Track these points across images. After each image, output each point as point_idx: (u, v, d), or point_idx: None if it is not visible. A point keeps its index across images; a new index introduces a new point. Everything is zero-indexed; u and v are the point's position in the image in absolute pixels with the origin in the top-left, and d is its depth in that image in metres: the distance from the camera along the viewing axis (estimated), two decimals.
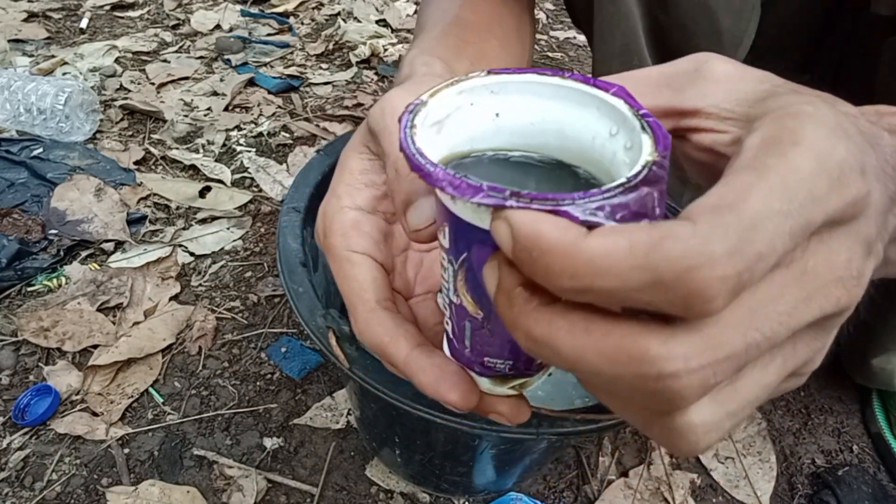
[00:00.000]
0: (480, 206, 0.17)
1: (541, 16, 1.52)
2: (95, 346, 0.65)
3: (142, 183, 0.86)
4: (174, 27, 1.31)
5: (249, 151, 0.96)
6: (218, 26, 1.32)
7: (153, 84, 1.10)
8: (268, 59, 1.22)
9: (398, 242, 0.29)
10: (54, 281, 0.71)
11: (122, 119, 1.01)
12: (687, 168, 0.25)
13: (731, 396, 0.17)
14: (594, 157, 0.21)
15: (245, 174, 0.92)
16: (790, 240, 0.15)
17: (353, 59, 1.25)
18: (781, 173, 0.16)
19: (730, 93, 0.21)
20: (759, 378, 0.18)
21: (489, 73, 0.22)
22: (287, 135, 1.02)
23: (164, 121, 1.00)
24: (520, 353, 0.23)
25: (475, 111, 0.23)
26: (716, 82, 0.22)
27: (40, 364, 0.63)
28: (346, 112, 1.08)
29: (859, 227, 0.18)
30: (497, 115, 0.23)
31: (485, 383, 0.25)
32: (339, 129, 1.03)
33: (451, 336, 0.25)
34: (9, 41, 1.13)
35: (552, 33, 1.47)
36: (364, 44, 1.28)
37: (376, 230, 0.27)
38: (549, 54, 1.39)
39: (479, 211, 0.18)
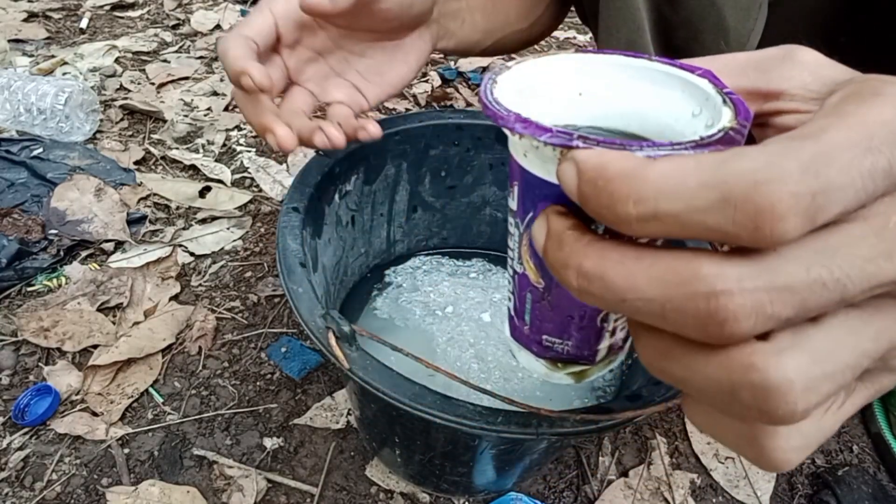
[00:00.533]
0: (547, 146, 0.17)
1: None
2: (95, 346, 0.65)
3: (142, 183, 0.86)
4: (174, 27, 1.31)
5: (249, 151, 0.96)
6: (218, 26, 1.32)
7: (153, 84, 1.10)
8: None
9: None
10: (54, 281, 0.71)
11: (122, 119, 1.01)
12: None
13: (820, 347, 0.15)
14: (675, 137, 0.21)
15: (245, 174, 0.92)
16: (870, 179, 0.14)
17: None
18: (861, 116, 0.15)
19: (817, 76, 0.21)
20: (851, 335, 0.16)
21: (577, 50, 0.23)
22: None
23: (164, 121, 1.00)
24: (579, 333, 0.23)
25: (559, 87, 0.23)
26: (803, 65, 0.21)
27: (40, 364, 0.63)
28: None
29: None
30: (580, 94, 0.23)
31: (540, 368, 0.25)
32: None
33: (512, 313, 0.25)
34: (9, 41, 1.13)
35: (553, 33, 1.47)
36: None
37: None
38: None
39: (546, 162, 0.18)
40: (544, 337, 0.24)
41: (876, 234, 0.15)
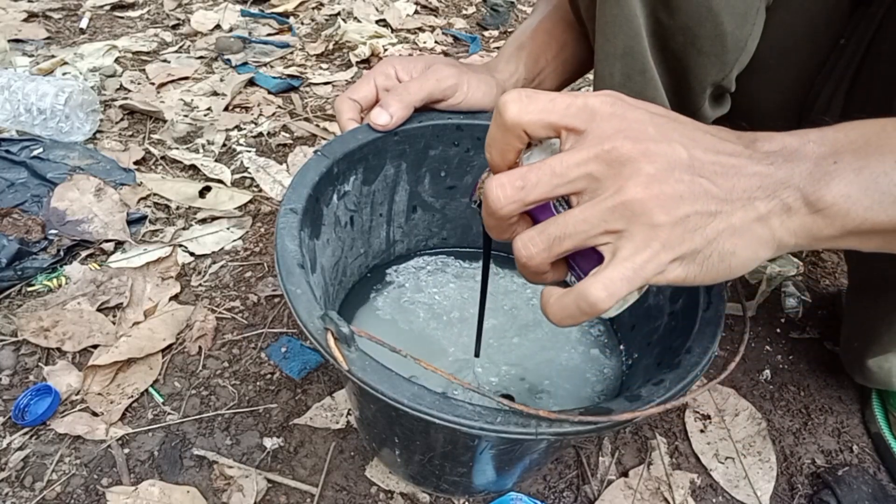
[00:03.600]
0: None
1: None
2: (95, 346, 0.65)
3: (142, 183, 0.86)
4: (174, 27, 1.31)
5: (249, 151, 0.96)
6: (218, 26, 1.32)
7: (153, 84, 1.10)
8: (268, 59, 1.22)
9: None
10: (54, 281, 0.71)
11: (122, 119, 1.01)
12: None
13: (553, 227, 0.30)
14: None
15: (245, 174, 0.92)
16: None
17: (353, 59, 1.25)
18: None
19: None
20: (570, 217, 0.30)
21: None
22: (287, 135, 1.02)
23: (164, 121, 1.00)
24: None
25: None
26: None
27: (40, 364, 0.63)
28: None
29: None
30: None
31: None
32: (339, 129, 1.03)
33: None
34: (9, 41, 1.13)
35: None
36: (364, 44, 1.28)
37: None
38: None
39: None
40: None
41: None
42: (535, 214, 0.32)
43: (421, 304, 0.63)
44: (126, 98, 1.04)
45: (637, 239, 0.28)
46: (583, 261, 0.32)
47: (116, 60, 1.15)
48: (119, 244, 0.77)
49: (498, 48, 1.39)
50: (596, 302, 0.28)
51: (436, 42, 1.38)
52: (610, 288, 0.28)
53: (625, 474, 0.59)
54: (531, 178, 0.29)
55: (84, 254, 0.76)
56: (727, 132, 0.31)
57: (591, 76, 0.56)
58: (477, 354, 0.55)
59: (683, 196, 0.28)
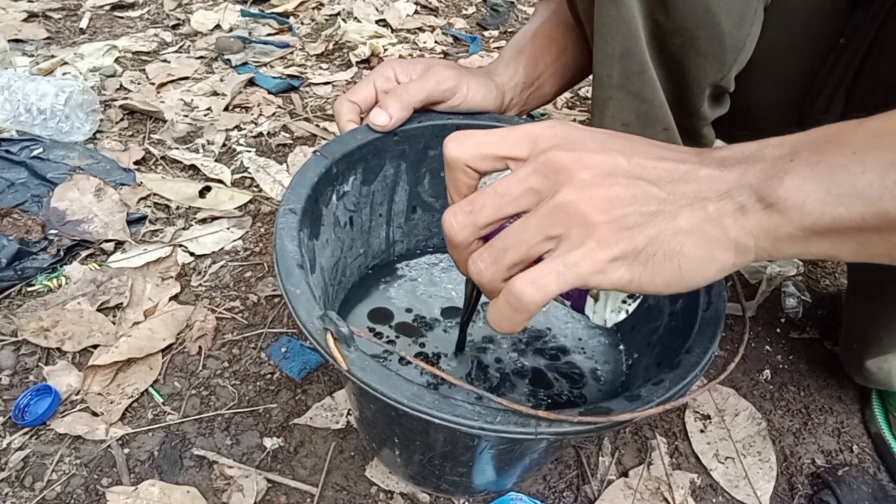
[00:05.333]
0: None
1: None
2: (95, 346, 0.65)
3: (142, 183, 0.86)
4: (174, 27, 1.31)
5: (249, 151, 0.96)
6: (218, 26, 1.32)
7: (153, 84, 1.10)
8: (268, 59, 1.22)
9: None
10: (54, 281, 0.71)
11: (122, 119, 1.01)
12: None
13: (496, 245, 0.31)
14: None
15: (245, 174, 0.92)
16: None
17: (353, 59, 1.25)
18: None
19: None
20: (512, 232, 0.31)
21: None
22: (287, 135, 1.02)
23: (164, 121, 1.00)
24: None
25: None
26: None
27: (40, 364, 0.63)
28: None
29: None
30: None
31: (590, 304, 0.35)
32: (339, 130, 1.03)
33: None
34: (9, 41, 1.13)
35: None
36: (364, 44, 1.28)
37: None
38: None
39: None
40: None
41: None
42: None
43: (438, 298, 0.63)
44: (126, 98, 1.04)
45: (573, 239, 0.28)
46: None
47: (116, 60, 1.15)
48: (119, 244, 0.77)
49: (498, 48, 1.39)
50: (520, 294, 0.28)
51: (436, 42, 1.38)
52: (538, 281, 0.28)
53: (625, 474, 0.59)
54: (478, 202, 0.31)
55: (84, 254, 0.76)
56: (683, 147, 0.31)
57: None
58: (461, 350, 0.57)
59: (620, 197, 0.28)
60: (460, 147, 0.32)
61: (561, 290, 0.28)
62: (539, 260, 0.29)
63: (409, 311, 0.61)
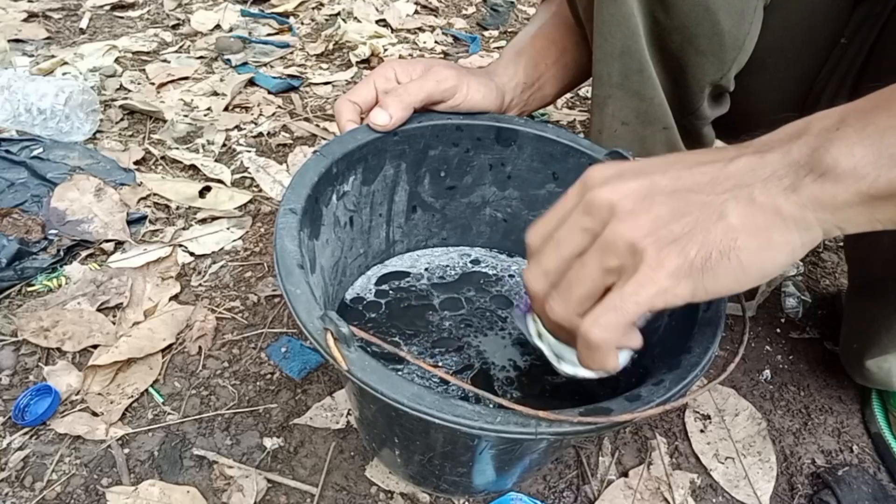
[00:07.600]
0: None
1: None
2: (95, 346, 0.65)
3: (142, 183, 0.86)
4: (174, 27, 1.31)
5: (249, 151, 0.96)
6: (218, 26, 1.32)
7: (153, 84, 1.10)
8: (268, 59, 1.22)
9: None
10: (54, 281, 0.71)
11: (122, 119, 1.01)
12: None
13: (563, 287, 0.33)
14: None
15: (245, 174, 0.92)
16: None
17: (353, 59, 1.25)
18: None
19: None
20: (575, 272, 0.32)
21: None
22: (287, 135, 1.02)
23: (164, 121, 1.00)
24: None
25: None
26: None
27: (40, 364, 0.63)
28: None
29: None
30: None
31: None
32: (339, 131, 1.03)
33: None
34: (9, 41, 1.13)
35: None
36: (364, 44, 1.27)
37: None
38: None
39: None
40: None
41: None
42: None
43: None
44: (126, 98, 1.04)
45: (629, 268, 0.29)
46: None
47: (116, 60, 1.15)
48: (119, 244, 0.77)
49: (498, 48, 1.39)
50: (586, 334, 0.30)
51: (436, 42, 1.38)
52: (598, 319, 0.29)
53: (625, 474, 0.59)
54: (544, 252, 0.33)
55: (84, 254, 0.76)
56: (722, 147, 0.32)
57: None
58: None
59: (661, 215, 0.28)
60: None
61: (627, 321, 0.29)
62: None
63: None
